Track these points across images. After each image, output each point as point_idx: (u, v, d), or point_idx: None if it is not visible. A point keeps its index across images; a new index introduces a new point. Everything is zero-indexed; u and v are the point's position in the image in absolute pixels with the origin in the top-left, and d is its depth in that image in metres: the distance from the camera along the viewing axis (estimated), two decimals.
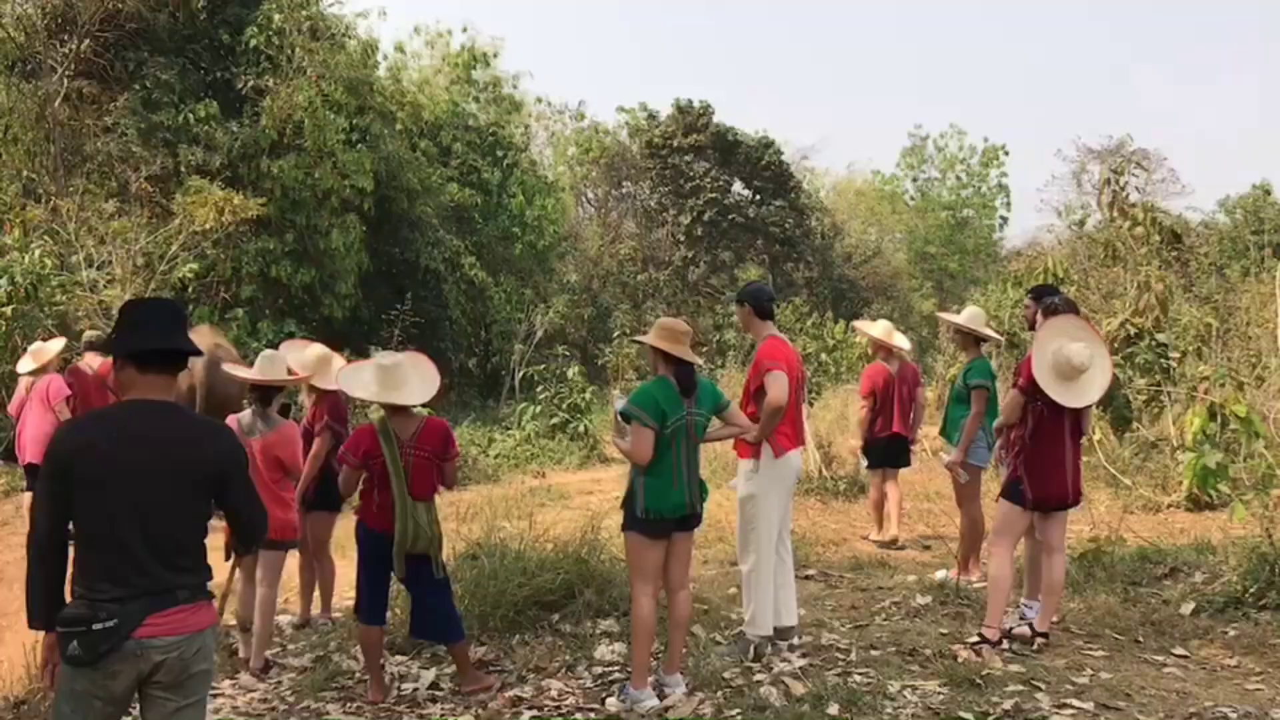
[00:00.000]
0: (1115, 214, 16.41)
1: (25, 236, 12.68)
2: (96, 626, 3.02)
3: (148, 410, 3.22)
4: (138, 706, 3.25)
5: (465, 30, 31.02)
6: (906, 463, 9.22)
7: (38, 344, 9.02)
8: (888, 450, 9.00)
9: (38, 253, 11.95)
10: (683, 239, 31.97)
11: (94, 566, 3.11)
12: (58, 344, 8.87)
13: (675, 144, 32.11)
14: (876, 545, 8.86)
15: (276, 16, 18.13)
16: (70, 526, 3.16)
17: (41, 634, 3.24)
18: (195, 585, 3.23)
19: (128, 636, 3.04)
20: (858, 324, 11.13)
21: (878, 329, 9.28)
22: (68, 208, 13.88)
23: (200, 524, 3.30)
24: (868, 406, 8.89)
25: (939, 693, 5.04)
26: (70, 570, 3.18)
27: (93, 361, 8.64)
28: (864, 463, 9.21)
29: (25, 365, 8.74)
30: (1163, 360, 11.99)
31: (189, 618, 3.17)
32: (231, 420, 5.87)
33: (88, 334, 9.29)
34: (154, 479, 3.14)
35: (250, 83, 17.91)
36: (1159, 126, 74.37)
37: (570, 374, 17.56)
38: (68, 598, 3.18)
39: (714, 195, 31.73)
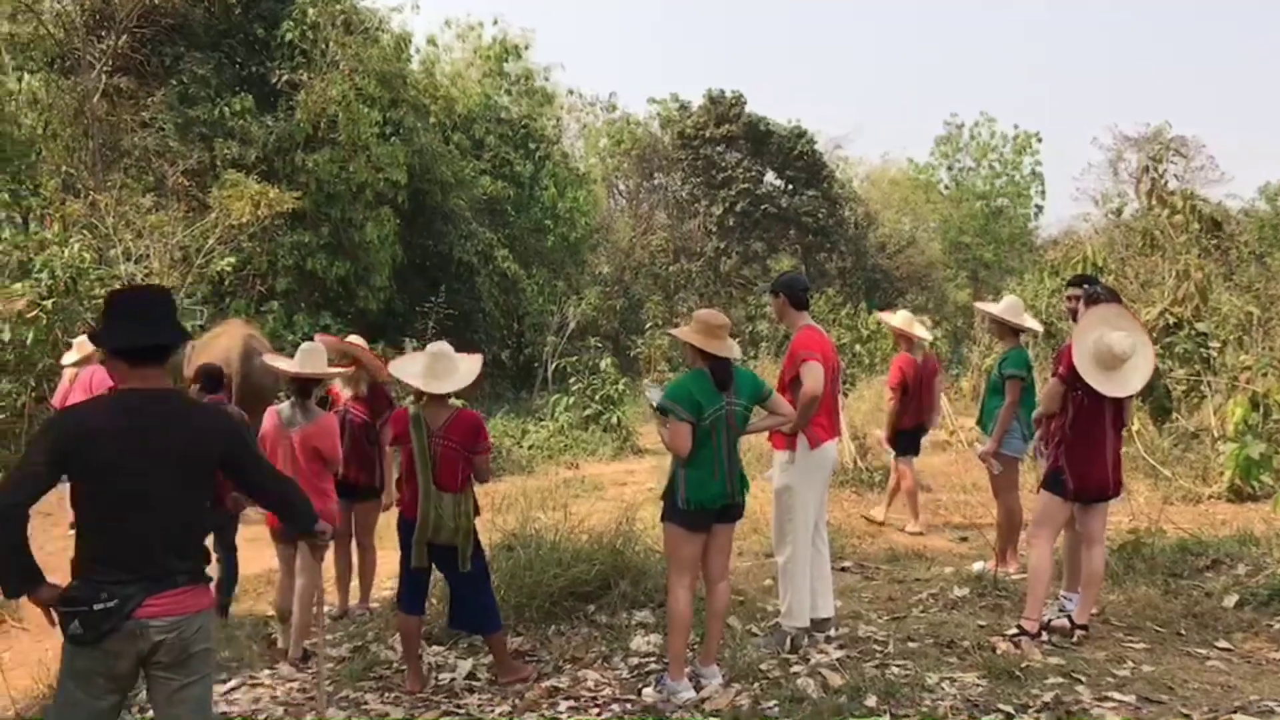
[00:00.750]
0: (1153, 202, 16.21)
1: (65, 231, 12.80)
2: (97, 607, 3.11)
3: (146, 399, 3.28)
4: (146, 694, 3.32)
5: (496, 23, 31.12)
6: (918, 451, 9.34)
7: (82, 337, 9.13)
8: (913, 440, 9.10)
9: (77, 247, 12.06)
10: (715, 230, 31.88)
11: (96, 550, 3.20)
12: None
13: (707, 134, 32.01)
14: (910, 535, 8.85)
15: (310, 10, 18.24)
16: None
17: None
18: (194, 570, 3.30)
19: (128, 616, 3.13)
20: (880, 314, 11.19)
21: (898, 319, 9.31)
22: (106, 202, 14.00)
23: (201, 510, 3.38)
24: (897, 397, 8.89)
25: (978, 685, 5.01)
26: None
27: None
28: (892, 454, 9.18)
29: (70, 357, 8.89)
30: (1203, 350, 11.83)
31: (187, 599, 3.24)
32: (270, 412, 5.93)
33: None
34: (155, 467, 3.20)
35: (285, 77, 18.03)
36: (1197, 112, 73.31)
37: (603, 365, 17.59)
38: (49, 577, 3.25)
39: (746, 185, 31.62)
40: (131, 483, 3.18)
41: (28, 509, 3.19)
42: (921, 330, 9.36)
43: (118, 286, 12.61)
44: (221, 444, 3.37)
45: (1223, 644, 5.60)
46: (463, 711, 5.03)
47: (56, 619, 3.22)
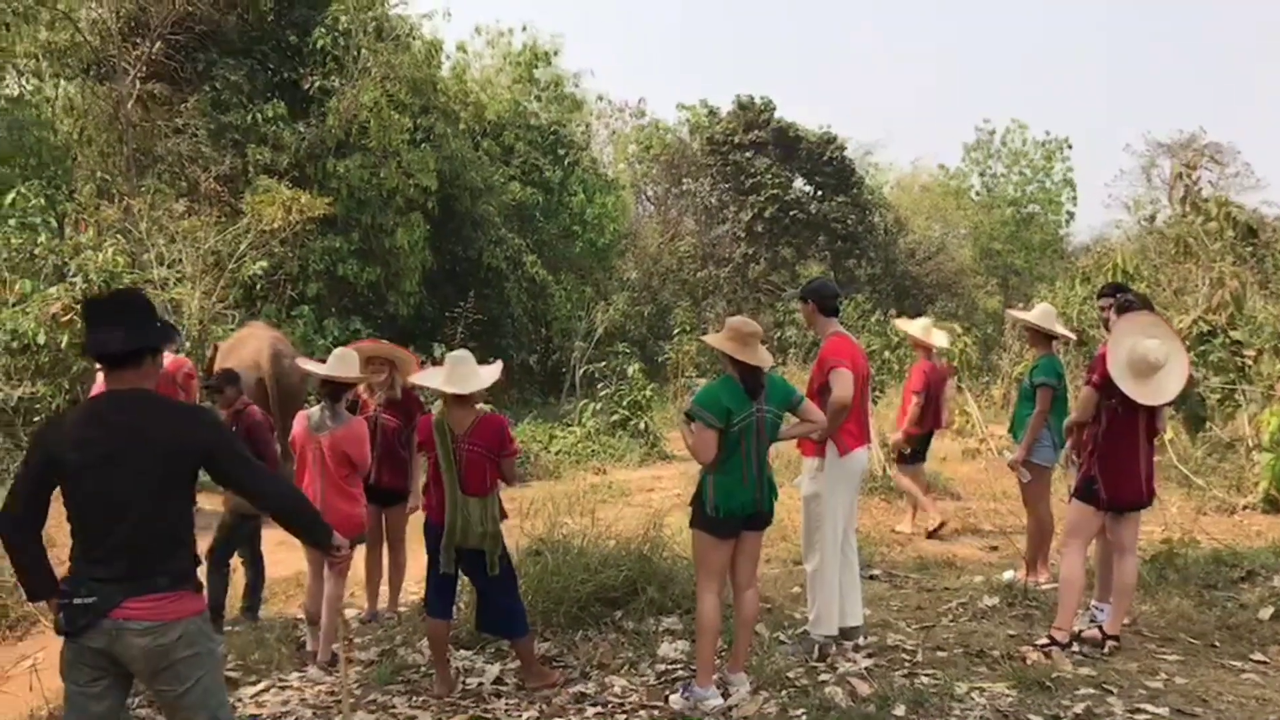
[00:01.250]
0: (1187, 208, 16.02)
1: (99, 235, 12.94)
2: (77, 601, 3.21)
3: (124, 401, 3.35)
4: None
5: (525, 29, 31.20)
6: (925, 458, 9.56)
7: None
8: (924, 444, 9.31)
9: (110, 251, 12.18)
10: (743, 235, 31.80)
11: (82, 548, 3.29)
12: None
13: (736, 140, 31.94)
14: (930, 537, 8.89)
15: (343, 18, 18.34)
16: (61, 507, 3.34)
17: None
18: (176, 573, 3.33)
19: (105, 615, 3.20)
20: (898, 322, 11.28)
21: (915, 327, 9.40)
22: (139, 207, 14.13)
23: (183, 512, 3.41)
24: (920, 402, 8.99)
25: (1007, 695, 4.97)
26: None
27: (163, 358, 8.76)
28: (904, 453, 9.28)
29: None
30: (1237, 358, 11.70)
31: (168, 605, 3.27)
32: (300, 416, 5.96)
33: None
34: (129, 468, 3.25)
35: (317, 83, 18.15)
36: (1232, 118, 72.56)
37: (630, 371, 17.57)
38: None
39: (775, 191, 31.50)
40: (104, 485, 3.24)
41: (33, 516, 3.32)
42: (940, 338, 9.45)
43: (150, 291, 12.74)
44: (201, 440, 3.38)
45: (1258, 656, 5.54)
46: (490, 716, 5.04)
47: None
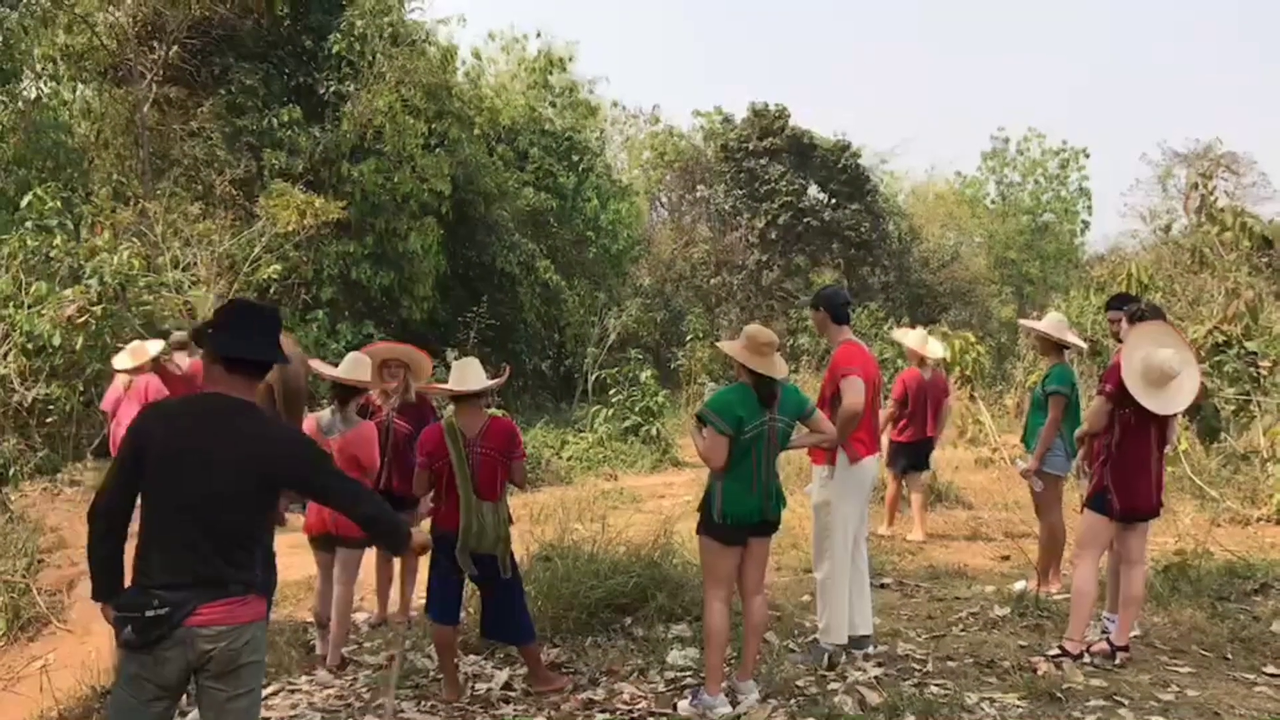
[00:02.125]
0: (1203, 219, 15.95)
1: (114, 238, 13.00)
2: (149, 614, 3.16)
3: (224, 406, 3.34)
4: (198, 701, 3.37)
5: (540, 35, 31.28)
6: (927, 466, 9.61)
7: (137, 342, 9.16)
8: (915, 453, 9.37)
9: (126, 254, 12.24)
10: (757, 242, 31.78)
11: (151, 554, 3.25)
12: (156, 345, 8.93)
13: (750, 147, 31.92)
14: (880, 537, 9.03)
15: (358, 23, 18.40)
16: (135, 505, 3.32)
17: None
18: (248, 580, 3.32)
19: (179, 624, 3.16)
20: (896, 332, 11.40)
21: (912, 338, 9.59)
22: (155, 210, 14.22)
23: (259, 520, 3.40)
24: (893, 410, 9.24)
25: (1018, 706, 4.95)
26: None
27: (181, 361, 8.76)
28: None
29: (123, 362, 8.89)
30: (1253, 369, 11.63)
31: (239, 609, 3.26)
32: (311, 419, 5.97)
33: (176, 334, 9.43)
34: (213, 473, 3.24)
35: (332, 88, 18.21)
36: (1248, 128, 72.24)
37: (643, 377, 17.57)
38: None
39: (789, 199, 31.47)
40: (186, 487, 3.22)
41: (119, 509, 3.30)
42: (935, 349, 9.63)
43: (165, 293, 12.80)
44: (278, 462, 3.37)
45: (1270, 669, 5.50)
46: None
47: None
